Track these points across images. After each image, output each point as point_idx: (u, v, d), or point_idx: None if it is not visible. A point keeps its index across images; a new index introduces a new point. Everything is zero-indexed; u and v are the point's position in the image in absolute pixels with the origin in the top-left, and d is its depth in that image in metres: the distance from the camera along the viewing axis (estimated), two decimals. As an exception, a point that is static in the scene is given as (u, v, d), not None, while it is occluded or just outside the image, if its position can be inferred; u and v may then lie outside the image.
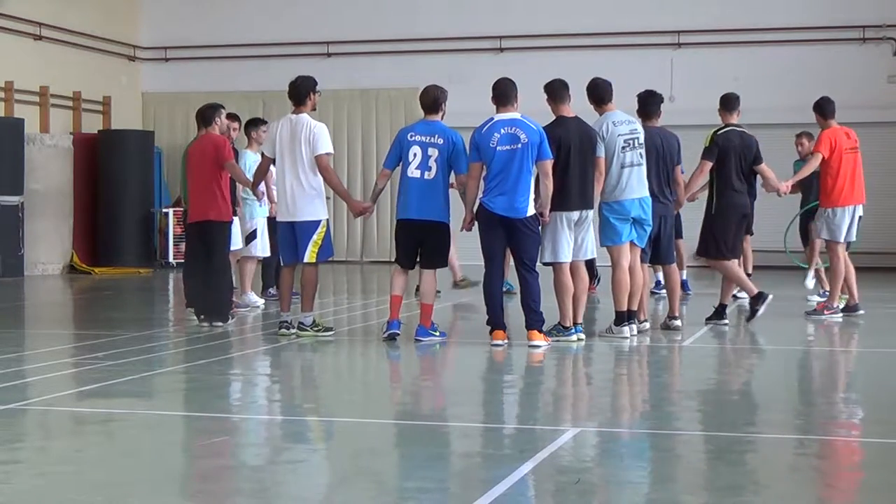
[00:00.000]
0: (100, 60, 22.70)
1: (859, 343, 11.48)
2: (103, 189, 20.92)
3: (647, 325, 11.36)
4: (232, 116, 13.00)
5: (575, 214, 10.39)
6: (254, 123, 13.77)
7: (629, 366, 9.92)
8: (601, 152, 10.55)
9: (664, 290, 15.09)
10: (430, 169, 10.28)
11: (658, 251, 11.32)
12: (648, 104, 11.46)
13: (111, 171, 20.88)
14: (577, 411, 7.85)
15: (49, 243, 20.21)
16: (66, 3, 21.63)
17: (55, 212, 20.34)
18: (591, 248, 10.66)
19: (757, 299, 11.70)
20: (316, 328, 10.88)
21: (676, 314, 11.41)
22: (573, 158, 10.34)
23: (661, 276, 15.35)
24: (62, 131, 21.23)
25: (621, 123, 10.69)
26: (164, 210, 21.65)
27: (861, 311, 12.60)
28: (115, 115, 22.84)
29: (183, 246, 18.05)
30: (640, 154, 10.71)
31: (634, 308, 10.84)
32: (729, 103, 11.84)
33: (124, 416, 7.32)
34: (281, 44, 23.09)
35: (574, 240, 10.45)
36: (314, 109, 10.90)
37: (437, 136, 10.33)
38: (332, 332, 10.97)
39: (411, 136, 10.37)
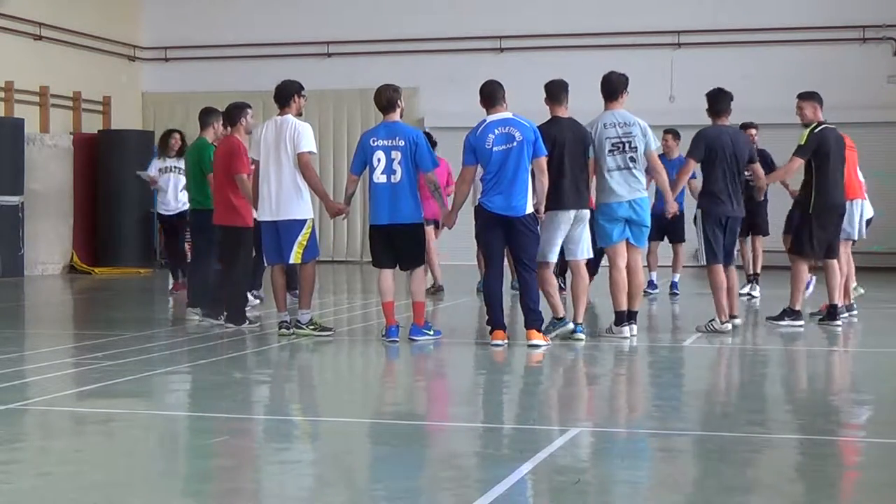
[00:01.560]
0: (100, 60, 22.70)
1: (860, 343, 11.47)
2: (103, 189, 20.90)
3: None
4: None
5: (571, 213, 10.39)
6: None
7: (629, 366, 9.92)
8: (592, 154, 10.54)
9: (656, 291, 15.12)
10: (394, 172, 10.28)
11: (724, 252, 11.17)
12: (717, 101, 11.23)
13: (111, 171, 20.85)
14: (577, 411, 7.86)
15: (49, 243, 20.20)
16: (66, 3, 21.63)
17: (55, 212, 20.33)
18: (589, 247, 10.66)
19: (792, 314, 11.55)
20: (312, 326, 10.87)
21: (736, 313, 11.37)
22: (567, 158, 10.35)
23: (653, 276, 15.38)
24: (62, 131, 21.24)
25: (612, 126, 10.56)
26: (165, 210, 21.60)
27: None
28: (115, 115, 22.85)
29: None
30: (632, 158, 10.54)
31: (635, 309, 10.80)
32: (817, 98, 11.60)
33: (124, 416, 7.32)
34: (281, 44, 23.10)
35: (572, 239, 10.47)
36: (300, 114, 10.87)
37: (397, 138, 10.33)
38: (330, 333, 10.97)
39: (374, 142, 10.37)
